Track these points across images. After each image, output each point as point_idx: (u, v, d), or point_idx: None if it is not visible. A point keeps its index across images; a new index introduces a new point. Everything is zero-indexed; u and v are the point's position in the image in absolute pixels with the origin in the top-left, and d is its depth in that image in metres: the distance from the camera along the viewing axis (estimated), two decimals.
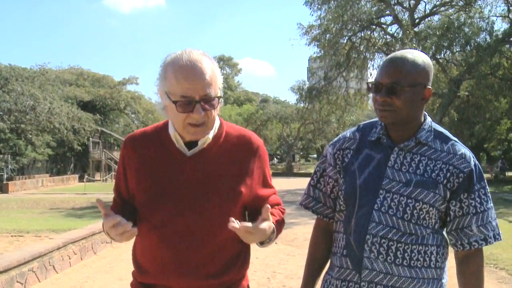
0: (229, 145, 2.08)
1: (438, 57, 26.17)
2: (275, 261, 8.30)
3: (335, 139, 2.29)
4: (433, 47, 24.52)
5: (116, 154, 44.64)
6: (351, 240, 2.07)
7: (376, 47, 28.37)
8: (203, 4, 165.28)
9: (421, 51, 2.13)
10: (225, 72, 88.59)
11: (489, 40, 24.05)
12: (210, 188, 1.99)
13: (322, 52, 29.14)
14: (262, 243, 2.05)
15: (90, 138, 42.11)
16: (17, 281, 6.17)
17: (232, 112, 53.08)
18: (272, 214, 2.02)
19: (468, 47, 24.55)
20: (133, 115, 54.79)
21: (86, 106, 45.06)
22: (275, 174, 49.92)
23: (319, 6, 27.38)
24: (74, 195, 23.69)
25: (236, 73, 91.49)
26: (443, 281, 2.10)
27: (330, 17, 27.08)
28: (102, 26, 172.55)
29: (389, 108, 2.01)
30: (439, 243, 2.07)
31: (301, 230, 11.99)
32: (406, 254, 2.01)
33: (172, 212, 1.96)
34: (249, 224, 1.86)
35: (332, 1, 26.67)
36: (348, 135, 2.23)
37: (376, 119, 2.16)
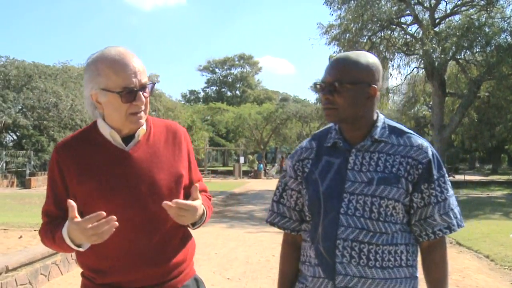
0: (159, 134, 2.18)
1: (458, 57, 26.03)
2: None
3: (293, 151, 2.29)
4: (453, 47, 24.37)
5: None
6: (321, 248, 2.06)
7: (396, 47, 28.23)
8: (224, 2, 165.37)
9: (370, 53, 2.14)
10: (245, 70, 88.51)
11: (510, 40, 23.89)
12: (154, 177, 2.07)
13: (342, 51, 29.13)
14: (194, 225, 2.12)
15: None
16: (41, 273, 6.39)
17: (252, 110, 53.04)
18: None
19: (489, 47, 24.37)
20: (153, 113, 55.15)
21: None
22: None
23: (339, 6, 27.33)
24: None
25: (256, 72, 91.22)
26: (416, 280, 2.09)
27: (350, 16, 27.06)
28: (123, 24, 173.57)
29: (331, 106, 2.03)
30: (407, 241, 2.06)
31: None
32: (378, 256, 2.00)
33: (120, 206, 2.00)
34: (181, 200, 1.96)
35: (352, 1, 26.61)
36: (304, 145, 2.24)
37: (331, 125, 2.19)
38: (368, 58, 2.07)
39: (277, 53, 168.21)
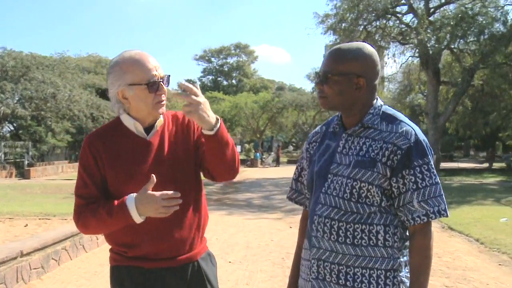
0: (172, 124, 2.47)
1: (452, 46, 26.34)
2: (290, 243, 8.77)
3: (310, 133, 2.48)
4: (447, 36, 24.70)
5: None
6: (308, 222, 2.25)
7: (391, 36, 28.53)
8: None
9: (366, 43, 2.24)
10: (241, 59, 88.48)
11: (503, 30, 24.21)
12: (171, 161, 2.37)
13: (338, 40, 29.35)
14: (212, 129, 2.22)
15: None
16: (52, 258, 6.70)
17: (248, 99, 53.15)
18: None
19: (482, 36, 24.69)
20: None
21: (104, 93, 45.50)
22: (291, 162, 50.25)
23: None
24: None
25: (252, 61, 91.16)
26: (398, 260, 2.10)
27: (346, 6, 27.33)
28: (119, 14, 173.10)
29: (322, 95, 2.19)
30: (388, 222, 2.10)
31: None
32: (348, 233, 2.09)
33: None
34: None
35: None
36: (317, 130, 2.43)
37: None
38: (361, 50, 2.15)
39: (274, 42, 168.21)
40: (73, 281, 6.34)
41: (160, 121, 2.42)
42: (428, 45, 25.04)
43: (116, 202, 2.24)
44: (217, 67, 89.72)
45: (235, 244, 8.87)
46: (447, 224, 10.86)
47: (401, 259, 2.12)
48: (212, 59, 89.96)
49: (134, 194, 2.22)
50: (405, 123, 2.15)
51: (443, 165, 31.75)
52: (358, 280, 2.08)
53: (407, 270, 2.12)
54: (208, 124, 2.20)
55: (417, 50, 26.50)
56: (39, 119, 34.55)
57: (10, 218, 11.20)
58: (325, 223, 2.14)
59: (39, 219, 11.16)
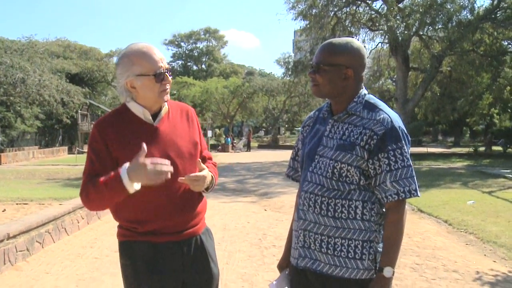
0: (176, 112, 2.73)
1: (421, 33, 26.72)
2: (265, 225, 9.05)
3: (305, 118, 2.78)
4: (416, 23, 25.06)
5: None
6: (297, 197, 2.59)
7: (361, 23, 28.79)
8: None
9: (352, 37, 2.65)
10: (211, 44, 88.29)
11: (471, 17, 24.65)
12: (178, 144, 2.62)
13: (308, 25, 29.55)
14: (207, 189, 2.69)
15: (79, 111, 42.34)
16: (37, 241, 6.85)
17: (219, 84, 53.17)
18: (208, 167, 2.73)
19: (450, 24, 25.10)
20: None
21: (74, 78, 45.02)
22: (261, 147, 50.56)
23: None
24: (67, 166, 24.12)
25: (222, 46, 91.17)
26: (374, 232, 2.37)
27: None
28: None
29: (314, 83, 2.47)
30: (366, 199, 2.37)
31: (287, 199, 12.78)
32: (330, 207, 2.37)
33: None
34: (192, 174, 2.54)
35: None
36: (310, 115, 2.73)
37: None
38: (349, 44, 2.42)
39: (242, 27, 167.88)
40: (58, 263, 6.50)
41: (165, 109, 2.65)
42: (397, 32, 25.34)
43: (112, 173, 2.42)
44: (187, 52, 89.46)
45: (212, 226, 8.95)
46: (417, 207, 11.25)
47: (376, 232, 2.39)
48: (182, 44, 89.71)
49: (126, 165, 2.40)
50: (384, 111, 2.41)
51: (412, 150, 32.05)
52: (338, 249, 2.37)
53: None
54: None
55: (386, 37, 26.75)
56: (8, 105, 34.08)
57: None
58: (310, 198, 2.43)
59: (16, 204, 11.19)
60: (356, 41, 2.48)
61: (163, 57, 2.59)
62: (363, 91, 2.49)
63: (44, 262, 6.51)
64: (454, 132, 56.79)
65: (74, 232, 8.25)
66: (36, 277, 5.89)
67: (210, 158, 2.93)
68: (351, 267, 2.36)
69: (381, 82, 41.04)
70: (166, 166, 2.38)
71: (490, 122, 45.06)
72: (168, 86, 2.59)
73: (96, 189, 2.44)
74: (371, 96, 2.51)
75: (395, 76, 32.59)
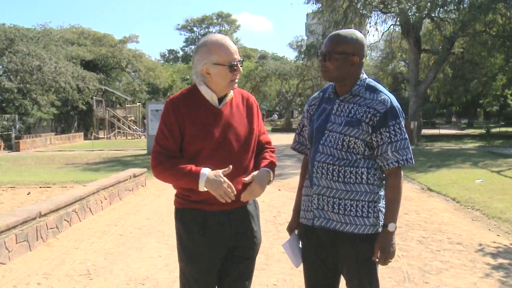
0: (238, 99, 3.04)
1: (433, 15, 26.78)
2: (279, 204, 9.44)
3: (310, 98, 3.16)
4: (428, 5, 25.15)
5: (119, 112, 45.38)
6: (309, 166, 2.94)
7: (373, 5, 28.76)
8: None
9: (357, 30, 2.97)
10: (223, 28, 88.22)
11: None
12: (236, 128, 2.93)
13: (321, 8, 29.67)
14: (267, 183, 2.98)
15: (94, 97, 42.84)
16: (65, 219, 7.28)
17: None
18: (265, 158, 3.05)
19: (462, 5, 25.16)
20: (133, 73, 55.29)
21: (88, 65, 45.43)
22: (275, 130, 50.75)
23: None
24: (84, 152, 24.70)
25: (234, 30, 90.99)
26: (378, 194, 2.81)
27: None
28: None
29: (324, 69, 2.87)
30: (370, 166, 2.80)
31: None
32: (340, 174, 2.79)
33: (213, 146, 2.86)
34: (253, 173, 2.90)
35: None
36: (316, 95, 3.12)
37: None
38: (354, 35, 2.82)
39: (255, 10, 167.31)
40: (86, 239, 6.93)
41: (230, 95, 3.00)
42: (409, 14, 25.50)
43: (193, 168, 2.81)
44: (200, 37, 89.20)
45: None
46: (426, 186, 11.59)
47: (379, 194, 2.84)
48: (195, 28, 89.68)
49: (208, 170, 2.79)
50: (383, 93, 2.84)
51: (424, 131, 32.47)
52: (348, 209, 2.80)
53: (383, 202, 2.85)
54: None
55: (398, 19, 26.89)
56: (25, 92, 34.57)
57: (11, 187, 11.75)
58: (323, 167, 2.84)
59: (40, 187, 11.70)
60: (359, 32, 2.87)
61: (237, 50, 2.94)
62: (364, 75, 2.90)
63: (73, 239, 6.95)
64: (467, 114, 56.72)
65: (98, 212, 8.68)
66: (67, 252, 6.33)
67: (268, 143, 3.23)
68: (360, 224, 2.79)
69: (393, 64, 41.09)
70: (232, 196, 2.79)
71: (504, 103, 44.91)
72: (237, 77, 2.94)
73: (173, 173, 2.85)
74: (371, 79, 2.92)
75: (407, 58, 32.70)
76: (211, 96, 2.94)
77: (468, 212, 8.81)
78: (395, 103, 2.82)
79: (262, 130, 3.17)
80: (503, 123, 51.99)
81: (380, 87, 2.89)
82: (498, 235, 7.09)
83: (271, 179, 3.02)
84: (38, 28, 41.04)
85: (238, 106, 3.03)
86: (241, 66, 2.95)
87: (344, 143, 2.79)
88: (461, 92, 36.97)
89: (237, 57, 2.91)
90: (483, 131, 36.02)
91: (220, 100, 2.97)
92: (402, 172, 2.85)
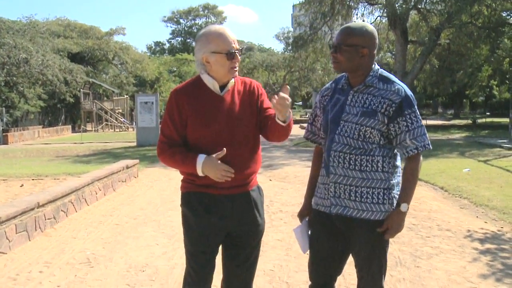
0: (240, 86, 3.15)
1: (419, 6, 26.91)
2: (271, 193, 9.58)
3: (321, 89, 3.23)
4: None
5: (107, 104, 45.25)
6: (325, 156, 3.02)
7: None
8: None
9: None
10: (210, 20, 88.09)
11: None
12: (238, 114, 3.05)
13: (306, 1, 29.68)
14: (284, 122, 2.95)
15: (81, 90, 42.67)
16: (61, 210, 7.38)
17: None
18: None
19: None
20: (120, 66, 55.04)
21: (75, 57, 45.21)
22: None
23: None
24: (73, 144, 24.67)
25: (221, 21, 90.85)
26: (392, 181, 2.91)
27: None
28: None
29: (335, 61, 2.96)
30: (385, 154, 2.90)
31: (291, 169, 13.36)
32: (357, 162, 2.89)
33: (216, 132, 2.98)
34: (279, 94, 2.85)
35: None
36: (327, 86, 3.19)
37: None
38: (364, 28, 2.92)
39: (240, 2, 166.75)
40: (83, 229, 7.04)
41: (231, 83, 3.12)
42: (396, 5, 25.59)
43: (191, 156, 2.97)
44: (186, 29, 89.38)
45: None
46: None
47: (393, 181, 2.95)
48: (181, 20, 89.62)
49: (204, 156, 2.93)
50: (397, 83, 2.93)
51: None
52: (364, 197, 2.91)
53: (397, 189, 2.95)
54: (284, 118, 2.93)
55: (385, 10, 26.95)
56: (11, 85, 34.33)
57: (4, 180, 11.77)
58: (339, 156, 2.93)
59: (33, 179, 11.75)
60: (369, 25, 2.99)
61: (236, 39, 3.06)
62: (376, 66, 3.00)
63: (70, 229, 7.05)
64: (454, 105, 57.14)
65: (93, 202, 8.78)
66: (65, 241, 6.44)
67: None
68: (376, 210, 2.90)
69: (380, 55, 41.21)
70: (230, 174, 2.93)
71: (490, 93, 45.32)
72: (236, 64, 3.05)
73: (174, 161, 3.03)
74: (383, 70, 3.02)
75: (394, 50, 32.84)
76: (212, 84, 3.06)
77: (456, 200, 9.02)
78: (409, 92, 2.92)
79: (268, 104, 3.21)
80: (488, 113, 52.56)
81: (392, 77, 2.98)
82: (486, 222, 7.30)
83: (291, 117, 3.00)
84: (23, 21, 40.57)
85: (241, 93, 3.14)
86: (240, 55, 3.06)
87: (361, 133, 2.88)
88: (447, 83, 37.28)
89: (235, 45, 3.01)
90: (469, 121, 36.43)
91: (222, 87, 3.09)
92: (421, 157, 2.96)
